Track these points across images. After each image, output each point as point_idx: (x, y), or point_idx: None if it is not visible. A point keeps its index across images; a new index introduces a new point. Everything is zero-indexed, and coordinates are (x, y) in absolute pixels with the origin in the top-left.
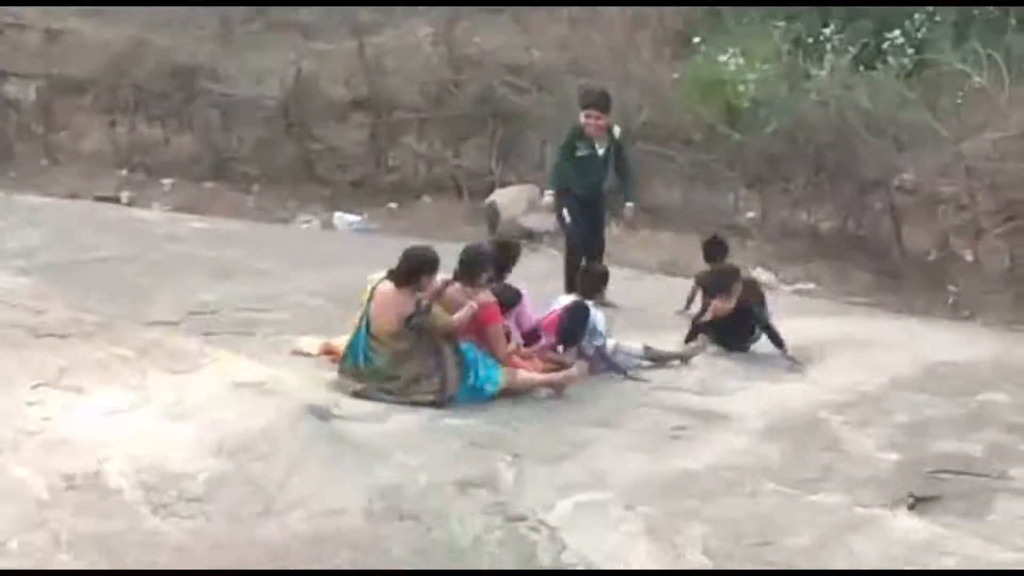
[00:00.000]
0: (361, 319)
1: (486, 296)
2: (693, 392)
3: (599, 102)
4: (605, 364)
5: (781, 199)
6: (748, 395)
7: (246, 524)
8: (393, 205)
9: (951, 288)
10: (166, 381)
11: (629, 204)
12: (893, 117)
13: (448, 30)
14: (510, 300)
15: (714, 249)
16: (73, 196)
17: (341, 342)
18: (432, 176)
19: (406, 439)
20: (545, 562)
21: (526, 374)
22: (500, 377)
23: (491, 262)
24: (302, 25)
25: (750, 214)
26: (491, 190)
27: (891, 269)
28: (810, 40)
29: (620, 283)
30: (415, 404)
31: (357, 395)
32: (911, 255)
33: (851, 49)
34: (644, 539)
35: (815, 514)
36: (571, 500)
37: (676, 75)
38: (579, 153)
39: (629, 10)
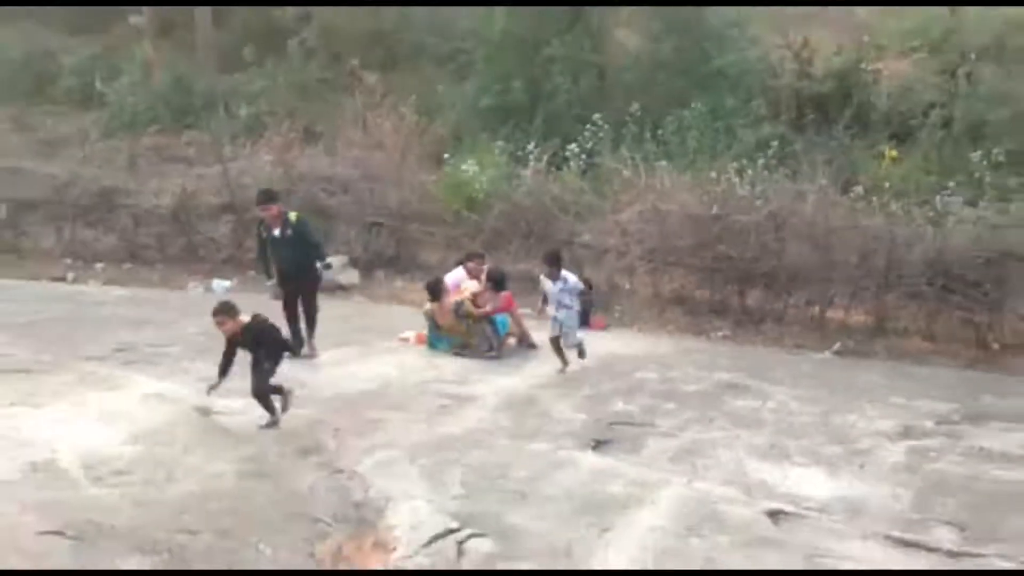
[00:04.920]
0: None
1: (505, 293)
2: (452, 382)
3: (260, 197)
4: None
5: (505, 256)
6: (488, 384)
7: (157, 487)
8: (252, 273)
9: (617, 307)
10: (98, 396)
11: (321, 263)
12: (575, 200)
13: (282, 155)
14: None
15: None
16: (34, 278)
17: (421, 333)
18: None
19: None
20: (358, 498)
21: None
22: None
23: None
24: (185, 157)
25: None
26: None
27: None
28: (519, 153)
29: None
30: (487, 359)
31: (458, 354)
32: (592, 288)
33: (545, 157)
34: (422, 480)
35: (532, 457)
36: (373, 458)
37: (434, 178)
38: (264, 236)
39: (401, 137)
